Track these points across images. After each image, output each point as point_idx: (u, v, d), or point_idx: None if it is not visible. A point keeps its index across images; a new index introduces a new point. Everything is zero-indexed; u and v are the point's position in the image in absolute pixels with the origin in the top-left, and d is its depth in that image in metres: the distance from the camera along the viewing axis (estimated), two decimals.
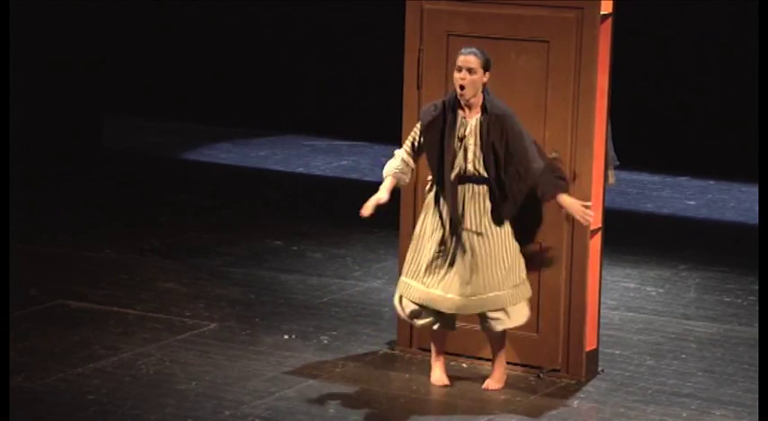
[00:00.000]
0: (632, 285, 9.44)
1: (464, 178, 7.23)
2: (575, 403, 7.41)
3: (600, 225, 7.68)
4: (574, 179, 7.56)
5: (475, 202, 7.22)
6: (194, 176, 12.56)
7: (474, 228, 7.20)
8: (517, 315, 7.32)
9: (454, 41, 7.71)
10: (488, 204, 7.22)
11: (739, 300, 9.19)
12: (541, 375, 7.69)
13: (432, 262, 7.25)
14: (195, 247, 10.15)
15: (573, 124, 7.55)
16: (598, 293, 7.76)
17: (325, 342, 8.21)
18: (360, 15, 13.51)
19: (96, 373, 7.63)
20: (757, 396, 7.51)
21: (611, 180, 8.51)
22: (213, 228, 10.67)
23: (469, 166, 7.22)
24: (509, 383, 7.56)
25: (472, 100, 7.20)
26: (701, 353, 8.17)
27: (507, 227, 7.29)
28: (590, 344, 7.72)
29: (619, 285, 9.37)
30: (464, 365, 7.79)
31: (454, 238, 7.20)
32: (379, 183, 7.36)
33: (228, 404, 7.24)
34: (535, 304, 7.68)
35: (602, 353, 7.90)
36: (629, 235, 10.06)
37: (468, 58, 7.17)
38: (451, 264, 7.23)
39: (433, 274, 7.24)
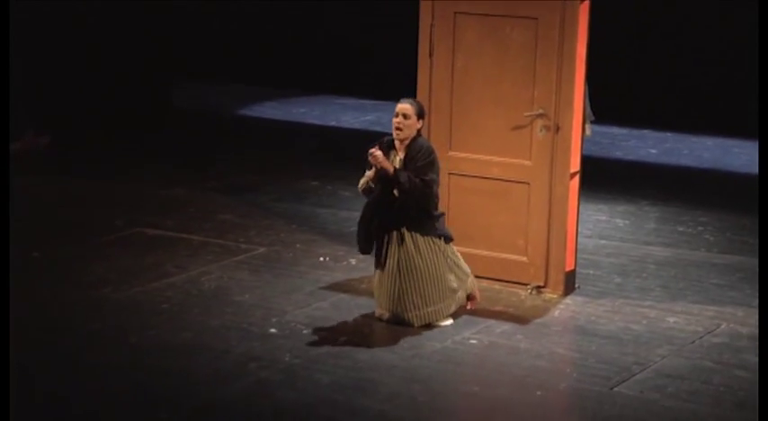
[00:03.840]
0: (603, 218, 9.42)
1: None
2: (556, 313, 7.41)
3: (578, 169, 7.65)
4: (557, 131, 7.53)
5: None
6: (246, 129, 12.54)
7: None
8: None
9: (460, 18, 7.66)
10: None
11: (690, 230, 9.16)
12: (530, 290, 7.70)
13: None
14: (247, 186, 10.15)
15: (557, 86, 7.50)
16: (576, 224, 7.74)
17: (353, 263, 8.22)
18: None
19: (168, 287, 7.66)
20: (703, 307, 7.52)
21: (588, 132, 8.45)
22: (262, 171, 10.66)
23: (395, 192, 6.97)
24: (502, 297, 7.57)
25: (405, 141, 7.03)
26: (658, 273, 8.16)
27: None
28: (569, 266, 7.72)
29: (592, 218, 9.35)
30: None
31: None
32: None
33: (275, 312, 7.27)
34: (524, 233, 7.68)
35: (579, 272, 7.89)
36: (601, 177, 10.02)
37: (405, 107, 7.00)
38: None
39: None
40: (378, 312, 7.15)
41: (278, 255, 8.36)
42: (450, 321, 7.12)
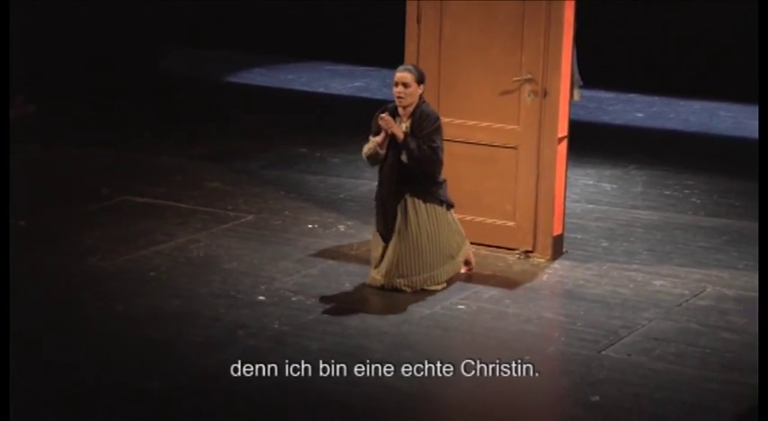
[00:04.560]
0: (591, 182, 9.39)
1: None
2: (544, 277, 7.40)
3: (566, 133, 7.61)
4: (545, 95, 7.48)
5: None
6: (235, 96, 12.47)
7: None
8: None
9: None
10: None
11: (677, 193, 9.15)
12: (518, 255, 7.68)
13: None
14: (236, 153, 10.10)
15: (545, 51, 7.45)
16: (563, 189, 7.71)
17: (342, 230, 8.19)
18: None
19: (157, 255, 7.63)
20: (689, 270, 7.51)
21: (577, 97, 8.45)
22: (250, 138, 10.61)
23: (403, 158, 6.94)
24: (490, 262, 7.55)
25: (408, 108, 6.97)
26: (645, 236, 8.15)
27: None
28: (556, 230, 7.69)
29: (580, 182, 9.32)
30: None
31: None
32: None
33: (263, 280, 7.24)
34: (512, 198, 7.65)
35: (567, 237, 7.87)
36: (589, 141, 10.00)
37: (404, 75, 6.91)
38: None
39: None
40: (371, 277, 7.10)
41: (266, 222, 8.32)
42: (443, 285, 7.10)
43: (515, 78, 7.53)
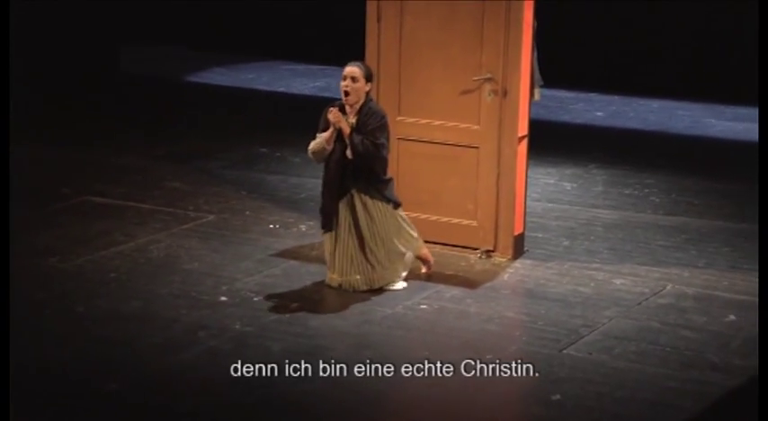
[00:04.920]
0: (552, 181, 9.41)
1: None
2: (505, 276, 7.40)
3: (526, 132, 7.62)
4: (505, 95, 7.48)
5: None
6: (195, 95, 12.40)
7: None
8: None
9: None
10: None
11: (636, 192, 9.19)
12: (480, 255, 7.68)
13: None
14: (196, 153, 10.04)
15: (504, 50, 7.45)
16: (524, 188, 7.72)
17: (303, 230, 8.16)
18: None
19: (117, 256, 7.57)
20: (649, 268, 7.54)
21: (537, 96, 8.41)
22: (211, 138, 10.55)
23: (348, 153, 6.90)
24: (452, 262, 7.54)
25: (355, 105, 6.94)
26: (606, 235, 8.17)
27: None
28: (518, 229, 7.70)
29: (541, 181, 9.34)
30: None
31: None
32: None
33: (225, 281, 7.20)
34: (473, 197, 7.65)
35: (528, 236, 7.88)
36: (549, 140, 10.02)
37: (352, 69, 6.89)
38: None
39: None
40: (329, 277, 7.09)
41: (227, 222, 8.27)
42: (404, 284, 7.09)
43: (475, 78, 7.53)
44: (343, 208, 6.98)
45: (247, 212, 8.50)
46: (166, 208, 8.53)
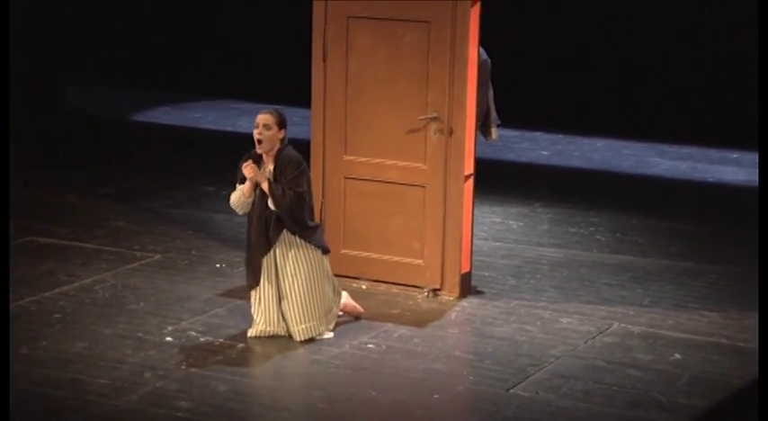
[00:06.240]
0: (498, 219, 9.46)
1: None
2: (452, 315, 7.41)
3: (472, 171, 7.66)
4: (451, 134, 7.52)
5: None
6: (140, 134, 12.34)
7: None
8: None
9: (353, 22, 7.62)
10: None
11: (582, 231, 9.25)
12: (426, 293, 7.68)
13: None
14: (142, 192, 9.98)
15: (449, 88, 7.50)
16: (471, 226, 7.75)
17: None
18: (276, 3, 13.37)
19: (61, 297, 7.49)
20: (595, 307, 7.58)
21: (495, 136, 8.43)
22: (157, 177, 10.50)
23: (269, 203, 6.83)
24: (399, 301, 7.54)
25: (271, 153, 6.85)
26: (552, 274, 8.21)
27: None
28: (464, 268, 7.72)
29: (487, 220, 9.38)
30: (363, 287, 7.76)
31: None
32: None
33: (170, 321, 7.14)
34: (420, 236, 7.66)
35: (475, 274, 7.90)
36: (495, 179, 10.07)
37: (265, 117, 6.80)
38: None
39: None
40: (259, 329, 6.90)
41: (173, 261, 8.22)
42: (330, 334, 7.00)
43: (421, 117, 7.57)
44: (269, 260, 6.83)
45: (193, 252, 8.46)
46: (112, 248, 8.46)
